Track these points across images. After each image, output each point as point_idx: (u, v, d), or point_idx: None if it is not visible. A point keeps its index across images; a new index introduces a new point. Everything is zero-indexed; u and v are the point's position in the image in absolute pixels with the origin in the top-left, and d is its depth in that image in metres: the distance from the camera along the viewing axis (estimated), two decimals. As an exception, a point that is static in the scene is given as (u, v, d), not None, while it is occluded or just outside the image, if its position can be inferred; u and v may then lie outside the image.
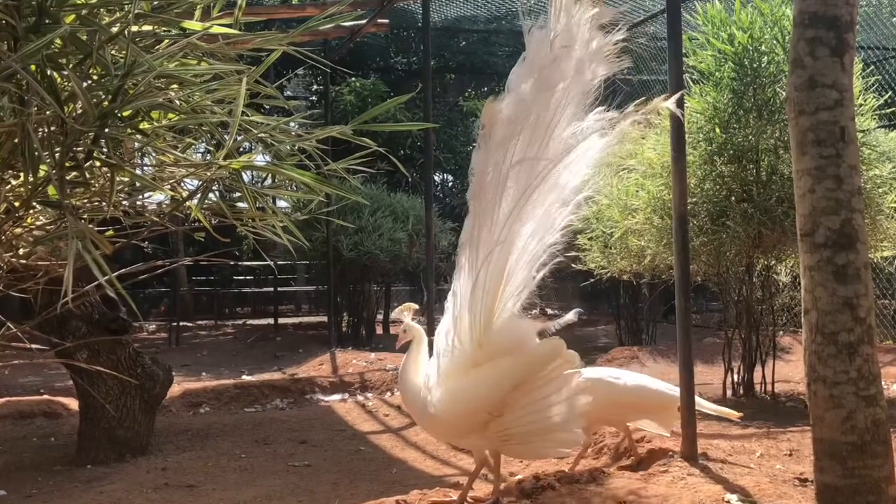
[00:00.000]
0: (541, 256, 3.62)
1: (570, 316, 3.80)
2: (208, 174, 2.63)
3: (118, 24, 2.44)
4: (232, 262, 16.15)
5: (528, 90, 3.48)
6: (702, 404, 4.44)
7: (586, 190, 3.63)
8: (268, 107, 13.27)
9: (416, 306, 4.30)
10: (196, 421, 6.82)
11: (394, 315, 4.24)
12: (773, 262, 6.51)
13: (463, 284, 3.63)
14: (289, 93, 17.84)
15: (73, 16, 2.32)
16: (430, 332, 6.77)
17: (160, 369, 5.83)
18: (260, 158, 2.94)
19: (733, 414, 4.48)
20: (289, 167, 2.66)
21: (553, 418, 3.54)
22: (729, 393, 6.59)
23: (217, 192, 3.12)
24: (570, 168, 3.58)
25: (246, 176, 2.77)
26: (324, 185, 2.72)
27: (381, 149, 2.93)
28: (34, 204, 2.51)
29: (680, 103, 4.15)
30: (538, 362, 3.60)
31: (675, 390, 4.32)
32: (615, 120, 3.55)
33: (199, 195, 2.73)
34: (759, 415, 5.87)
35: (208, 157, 2.86)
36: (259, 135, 2.66)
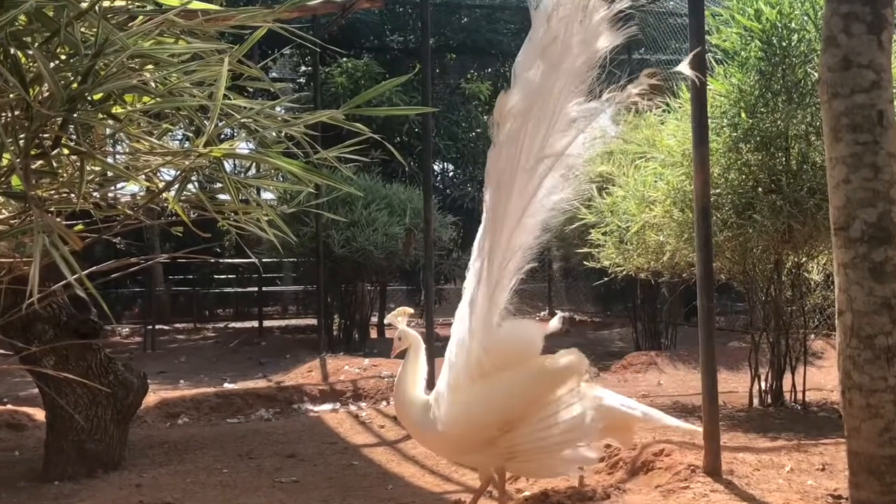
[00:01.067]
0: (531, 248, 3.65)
1: (555, 324, 3.82)
2: (187, 163, 2.62)
3: (88, -1, 2.43)
4: (213, 260, 16.14)
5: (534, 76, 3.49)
6: (663, 420, 4.40)
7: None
8: (252, 90, 13.22)
9: (412, 310, 4.30)
10: (173, 433, 6.82)
11: (388, 320, 4.24)
12: (803, 259, 6.50)
13: (474, 290, 3.65)
14: (274, 74, 17.83)
15: (38, -10, 2.32)
16: (430, 336, 6.77)
17: (134, 376, 5.83)
18: (243, 146, 2.94)
19: (697, 431, 4.43)
20: (275, 155, 2.66)
21: (567, 434, 3.54)
22: (756, 402, 6.59)
23: (196, 183, 3.11)
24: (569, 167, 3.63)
25: (228, 165, 2.77)
26: (313, 175, 2.72)
27: (375, 135, 2.92)
28: (-4, 195, 2.51)
29: (700, 69, 4.15)
30: (557, 377, 3.61)
31: (635, 408, 4.32)
32: (621, 97, 3.59)
33: (176, 186, 2.73)
34: (789, 426, 5.87)
35: (187, 145, 2.86)
36: (242, 120, 2.66)
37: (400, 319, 4.10)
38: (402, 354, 4.06)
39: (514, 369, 3.63)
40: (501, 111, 3.56)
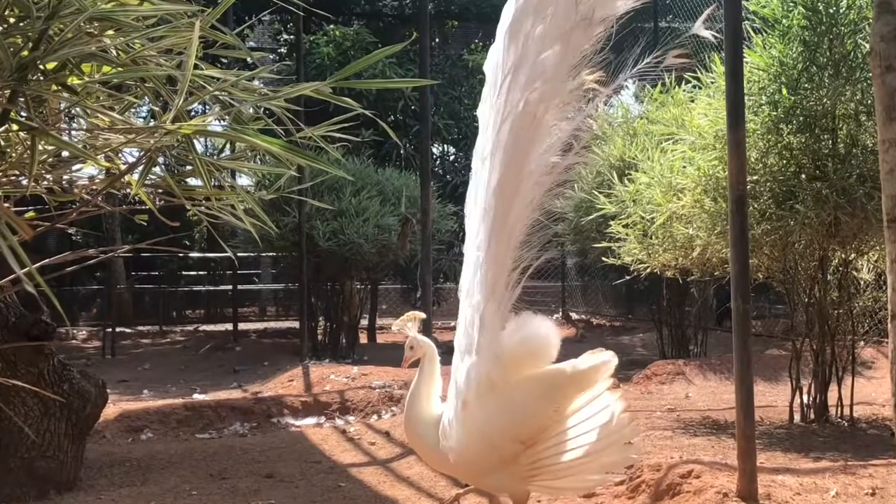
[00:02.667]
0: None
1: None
2: (152, 142, 2.62)
3: (40, -45, 2.43)
4: (181, 254, 16.15)
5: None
6: None
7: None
8: (226, 60, 13.25)
9: (423, 315, 4.22)
10: (136, 449, 6.82)
11: (395, 327, 4.17)
12: (852, 256, 6.50)
13: (470, 284, 3.63)
14: (252, 43, 17.84)
15: (-16, -56, 2.32)
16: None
17: (92, 385, 5.82)
18: (216, 123, 2.93)
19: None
20: (252, 133, 2.65)
21: (599, 443, 3.54)
22: (797, 417, 6.59)
23: (163, 165, 3.11)
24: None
25: (199, 145, 2.76)
26: (295, 157, 2.71)
27: (366, 112, 2.92)
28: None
29: (736, 39, 4.13)
30: (584, 379, 3.60)
31: None
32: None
33: (140, 168, 2.73)
34: (835, 445, 5.87)
35: (152, 122, 2.86)
36: (215, 93, 2.65)
37: (410, 326, 4.04)
38: (413, 365, 4.02)
39: (532, 375, 3.62)
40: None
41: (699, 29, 3.62)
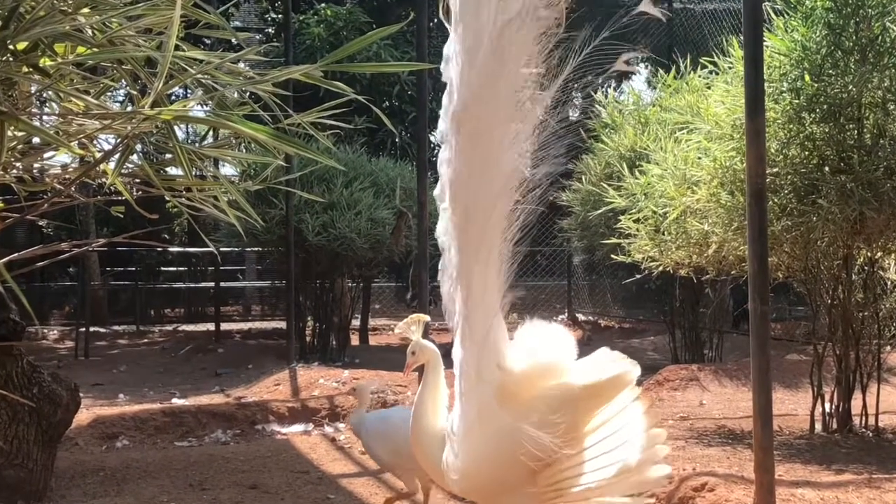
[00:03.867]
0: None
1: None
2: (129, 128, 2.62)
3: (10, -74, 2.43)
4: (160, 248, 16.15)
5: None
6: None
7: None
8: (209, 41, 13.23)
9: (428, 318, 4.18)
10: (111, 458, 6.82)
11: (398, 330, 4.13)
12: (878, 255, 6.51)
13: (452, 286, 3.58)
14: (237, 22, 17.84)
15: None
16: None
17: (63, 389, 5.82)
18: (199, 109, 2.93)
19: None
20: (237, 119, 2.65)
21: (629, 461, 3.48)
22: (818, 427, 6.60)
23: (141, 153, 3.11)
24: None
25: (180, 132, 2.76)
26: (283, 145, 2.71)
27: (359, 97, 2.92)
28: None
29: (756, 21, 4.12)
30: (598, 395, 3.55)
31: None
32: None
33: (117, 156, 2.73)
34: (859, 456, 5.88)
35: (130, 107, 2.86)
36: (197, 76, 2.65)
37: (414, 329, 3.98)
38: (417, 370, 4.00)
39: (540, 394, 3.57)
40: None
41: (647, 6, 3.49)
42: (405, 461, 4.72)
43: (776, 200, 6.01)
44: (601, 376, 3.53)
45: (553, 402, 3.51)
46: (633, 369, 3.49)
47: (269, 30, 17.89)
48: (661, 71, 10.54)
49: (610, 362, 3.56)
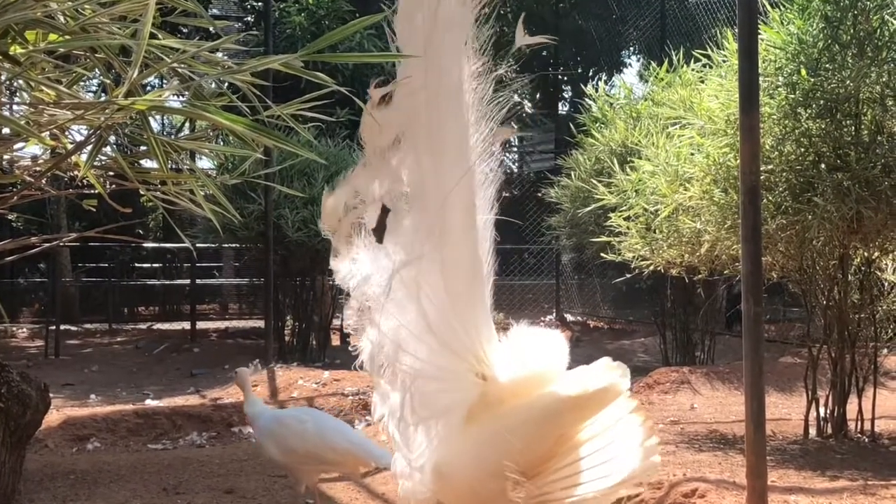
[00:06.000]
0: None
1: None
2: (102, 118, 2.61)
3: None
4: (134, 244, 16.10)
5: None
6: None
7: None
8: (187, 29, 13.20)
9: None
10: (82, 460, 6.80)
11: None
12: (875, 255, 6.52)
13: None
14: (216, 10, 17.79)
15: None
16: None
17: (33, 389, 5.80)
18: (175, 99, 2.93)
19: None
20: (213, 110, 2.65)
21: (623, 473, 3.46)
22: (812, 432, 6.62)
23: (116, 145, 3.10)
24: None
25: (156, 124, 2.76)
26: (261, 137, 2.71)
27: (341, 89, 2.91)
28: None
29: (750, 12, 4.12)
30: (587, 406, 3.54)
31: (363, 446, 4.95)
32: None
33: (89, 148, 2.72)
34: (854, 462, 5.90)
35: (104, 96, 2.85)
36: (173, 65, 2.64)
37: None
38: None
39: (524, 403, 3.56)
40: None
41: (524, 39, 3.43)
42: (298, 460, 5.07)
43: (771, 198, 6.02)
44: (588, 388, 3.52)
45: (532, 416, 3.51)
46: (622, 381, 3.48)
47: (249, 18, 17.86)
48: (653, 64, 10.56)
49: (601, 373, 3.55)
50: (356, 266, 3.40)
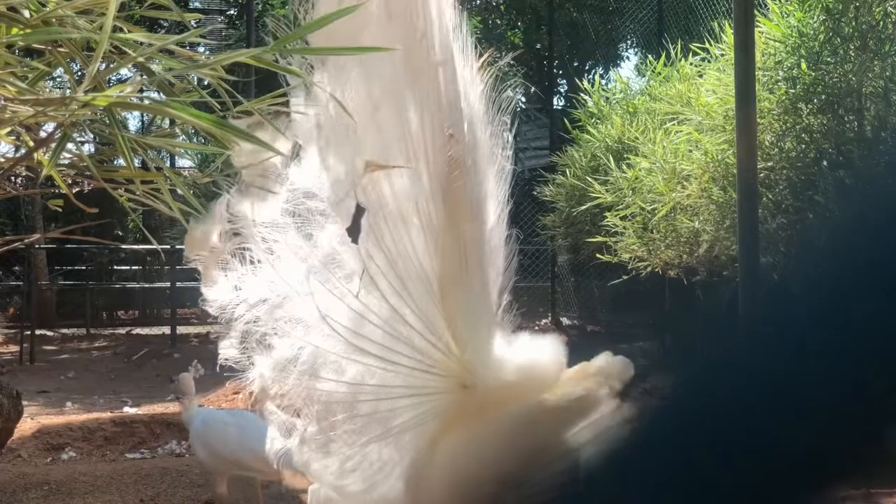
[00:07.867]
0: None
1: None
2: (66, 114, 2.59)
3: None
4: (111, 246, 16.07)
5: None
6: None
7: None
8: (167, 23, 13.18)
9: None
10: (56, 471, 6.79)
11: None
12: (879, 255, 6.53)
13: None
14: (197, 3, 17.77)
15: None
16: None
17: (4, 396, 5.80)
18: (141, 95, 2.91)
19: None
20: (177, 106, 2.62)
21: None
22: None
23: (91, 142, 3.08)
24: None
25: (134, 121, 2.74)
26: (229, 133, 2.68)
27: (316, 83, 2.90)
28: None
29: (748, 4, 4.12)
30: (572, 412, 3.53)
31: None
32: None
33: (52, 145, 2.70)
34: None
35: (70, 93, 2.83)
36: (139, 59, 2.63)
37: None
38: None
39: (506, 412, 3.55)
40: None
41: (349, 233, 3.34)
42: (222, 464, 5.28)
43: (770, 196, 6.03)
44: (574, 392, 3.51)
45: (511, 426, 3.50)
46: (601, 390, 3.46)
47: (232, 11, 17.84)
48: (650, 57, 10.56)
49: (587, 378, 3.54)
50: (243, 293, 3.32)
